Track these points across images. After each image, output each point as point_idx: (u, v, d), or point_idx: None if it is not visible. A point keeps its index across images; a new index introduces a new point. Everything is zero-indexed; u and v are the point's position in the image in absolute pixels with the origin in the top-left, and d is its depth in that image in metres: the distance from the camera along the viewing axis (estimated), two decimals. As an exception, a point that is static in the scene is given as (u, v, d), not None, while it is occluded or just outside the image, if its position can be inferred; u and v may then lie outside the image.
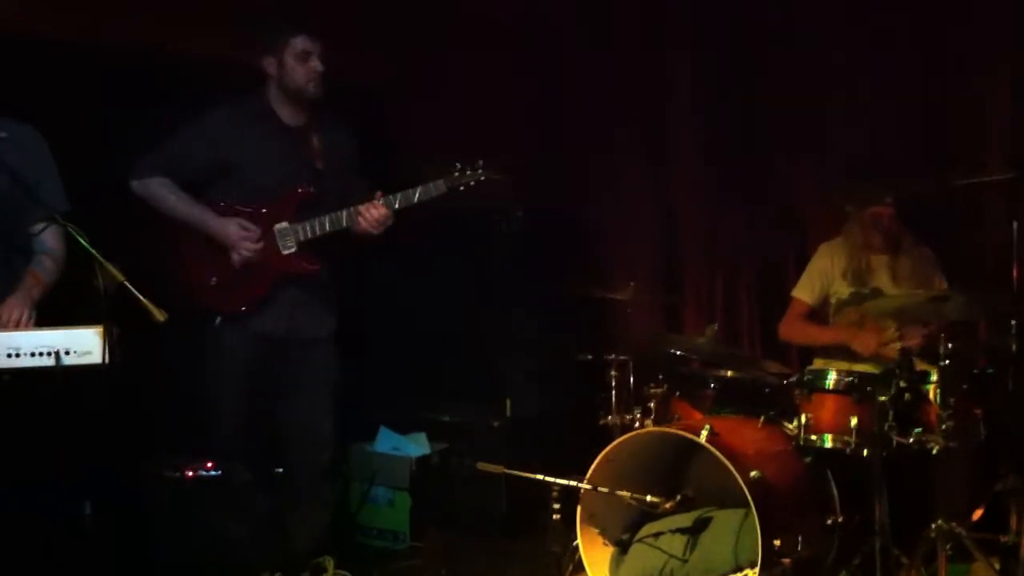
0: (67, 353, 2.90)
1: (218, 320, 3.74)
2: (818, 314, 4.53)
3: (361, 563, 4.03)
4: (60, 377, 2.87)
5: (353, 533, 4.51)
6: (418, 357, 4.94)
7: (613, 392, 4.15)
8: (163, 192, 3.72)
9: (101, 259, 2.96)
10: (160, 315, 3.00)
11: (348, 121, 3.96)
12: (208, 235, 3.70)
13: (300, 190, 3.73)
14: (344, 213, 3.71)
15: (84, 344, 2.93)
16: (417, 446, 4.68)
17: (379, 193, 3.71)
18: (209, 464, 4.04)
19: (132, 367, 3.09)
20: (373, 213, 3.68)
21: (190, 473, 4.00)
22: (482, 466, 3.71)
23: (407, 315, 4.93)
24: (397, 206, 3.71)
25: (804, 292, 4.52)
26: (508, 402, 4.84)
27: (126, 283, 2.99)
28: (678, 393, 4.12)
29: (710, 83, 5.14)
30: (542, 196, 5.32)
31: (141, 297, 2.99)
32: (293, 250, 3.73)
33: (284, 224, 3.72)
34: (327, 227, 3.71)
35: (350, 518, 4.53)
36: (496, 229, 5.11)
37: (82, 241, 2.99)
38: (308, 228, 3.72)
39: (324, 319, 3.87)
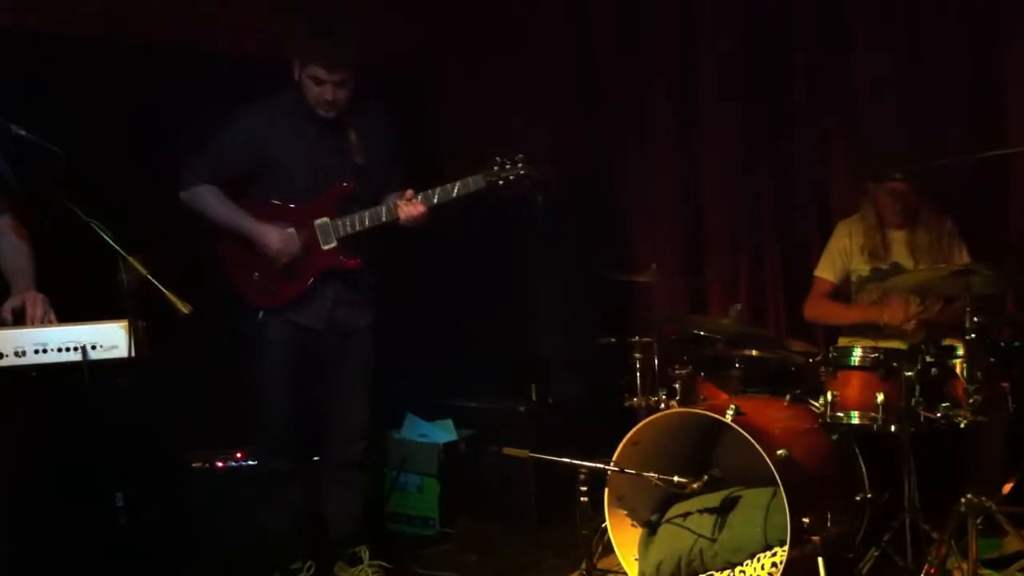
0: (94, 348, 2.93)
1: (260, 315, 3.78)
2: (841, 292, 4.51)
3: (392, 549, 4.06)
4: (87, 372, 2.90)
5: (383, 520, 4.53)
6: (443, 344, 4.95)
7: (638, 374, 4.14)
8: (210, 201, 3.78)
9: (125, 254, 2.99)
10: (185, 308, 3.03)
11: (388, 112, 3.97)
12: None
13: (342, 186, 3.76)
14: (383, 208, 3.73)
15: (111, 339, 2.95)
16: (444, 432, 4.70)
17: (409, 192, 3.71)
18: (239, 454, 4.10)
19: (175, 360, 3.11)
20: (409, 211, 3.70)
21: (220, 464, 4.06)
22: (508, 451, 3.73)
23: (431, 303, 4.94)
24: (436, 201, 3.72)
25: (826, 271, 4.50)
26: (534, 387, 4.84)
27: (150, 277, 3.02)
28: (703, 374, 4.12)
29: (739, 64, 5.07)
30: (567, 181, 5.32)
31: (165, 291, 3.02)
32: (333, 245, 3.76)
33: (324, 220, 3.74)
34: (367, 223, 3.74)
35: (379, 505, 4.56)
36: (521, 215, 5.09)
37: (106, 237, 3.01)
38: (348, 224, 3.74)
39: (364, 311, 3.89)
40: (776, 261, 5.10)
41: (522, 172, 3.71)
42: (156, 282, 3.03)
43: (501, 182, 3.71)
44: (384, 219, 3.73)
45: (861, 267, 4.42)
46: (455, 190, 3.71)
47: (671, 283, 5.10)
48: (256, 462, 4.05)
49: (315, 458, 3.96)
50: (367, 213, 3.73)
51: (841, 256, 4.47)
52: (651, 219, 5.36)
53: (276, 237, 3.72)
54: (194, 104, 4.00)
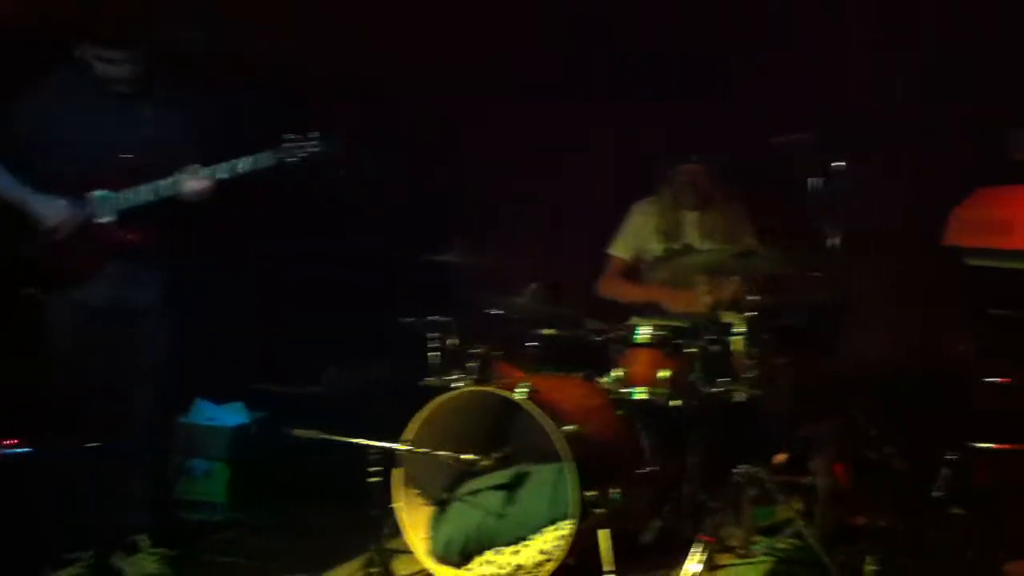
0: None
1: (33, 291, 3.60)
2: (635, 271, 4.64)
3: (178, 536, 3.93)
4: None
5: (170, 506, 4.38)
6: (238, 327, 4.82)
7: (435, 354, 4.13)
8: None
9: None
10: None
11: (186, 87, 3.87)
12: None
13: (128, 159, 3.61)
14: (165, 182, 3.60)
15: None
16: (234, 415, 4.60)
17: (195, 166, 3.61)
18: (13, 441, 3.89)
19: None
20: (193, 185, 3.59)
21: (-10, 451, 3.84)
22: (298, 432, 3.66)
23: (226, 283, 4.80)
24: (222, 176, 3.62)
25: (621, 249, 4.63)
26: (330, 368, 4.78)
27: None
28: (500, 353, 4.15)
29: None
30: (368, 155, 5.25)
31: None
32: (112, 220, 3.60)
33: (103, 192, 3.59)
34: (150, 196, 3.59)
35: (167, 491, 4.40)
36: (322, 192, 5.01)
37: None
38: (124, 197, 3.59)
39: (152, 290, 3.76)
40: (582, 242, 5.20)
41: (315, 149, 3.65)
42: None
43: (292, 159, 3.64)
44: (165, 193, 3.60)
45: (654, 247, 4.57)
46: (241, 165, 3.62)
47: (476, 263, 5.11)
48: (32, 449, 3.85)
49: (93, 444, 3.78)
50: (148, 186, 3.60)
51: (635, 236, 4.61)
52: (458, 199, 5.36)
53: (51, 210, 3.54)
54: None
